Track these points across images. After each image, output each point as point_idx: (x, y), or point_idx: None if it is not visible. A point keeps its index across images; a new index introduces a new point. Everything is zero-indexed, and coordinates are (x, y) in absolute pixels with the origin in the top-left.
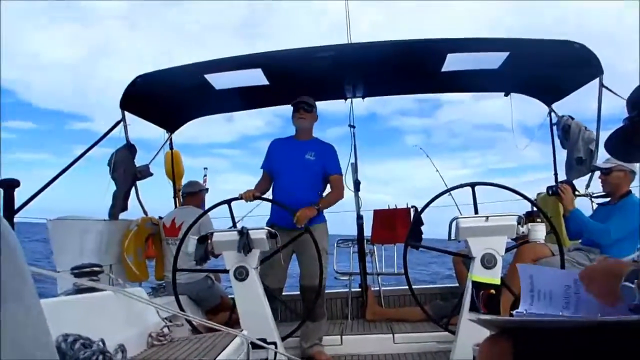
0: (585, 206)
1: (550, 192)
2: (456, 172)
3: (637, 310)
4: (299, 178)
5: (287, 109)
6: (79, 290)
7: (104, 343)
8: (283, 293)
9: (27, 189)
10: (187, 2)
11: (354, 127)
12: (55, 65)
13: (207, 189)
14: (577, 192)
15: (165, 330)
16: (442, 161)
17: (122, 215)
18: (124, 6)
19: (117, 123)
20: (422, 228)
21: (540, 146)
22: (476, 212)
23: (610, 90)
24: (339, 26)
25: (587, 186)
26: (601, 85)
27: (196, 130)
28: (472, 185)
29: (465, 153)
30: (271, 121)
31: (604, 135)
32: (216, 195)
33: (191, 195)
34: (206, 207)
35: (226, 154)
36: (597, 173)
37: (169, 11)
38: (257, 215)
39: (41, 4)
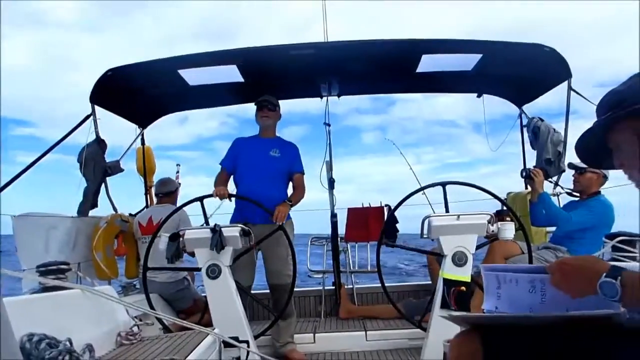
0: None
1: (523, 174)
2: (413, 167)
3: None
4: (265, 175)
5: (241, 108)
6: (46, 288)
7: (70, 342)
8: (251, 291)
9: None
10: (145, 10)
11: (329, 125)
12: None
13: (179, 184)
14: (549, 179)
15: (135, 329)
16: (399, 156)
17: (91, 212)
18: (77, 12)
19: (87, 117)
20: (398, 226)
21: (488, 141)
22: (447, 210)
23: (578, 94)
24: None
25: (555, 185)
26: (569, 88)
27: (148, 132)
28: (444, 184)
29: (419, 149)
30: (225, 121)
31: (572, 138)
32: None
33: (167, 195)
34: (179, 203)
35: (183, 156)
36: (564, 173)
37: (128, 18)
38: (226, 213)
39: None
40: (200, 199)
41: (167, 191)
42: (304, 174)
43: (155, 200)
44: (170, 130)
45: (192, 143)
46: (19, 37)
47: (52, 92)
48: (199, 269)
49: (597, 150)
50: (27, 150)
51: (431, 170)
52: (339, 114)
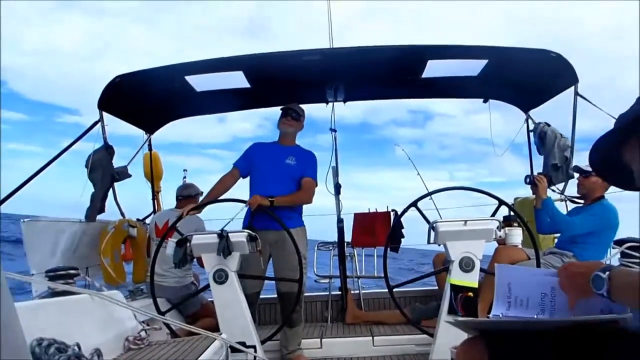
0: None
1: (527, 181)
2: (445, 183)
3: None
4: (277, 181)
5: (278, 113)
6: (55, 293)
7: (79, 347)
8: (259, 297)
9: (14, 178)
10: (195, 2)
11: (335, 131)
12: (52, 56)
13: (202, 192)
14: (552, 187)
15: (143, 334)
16: (432, 172)
17: (99, 217)
18: (127, 2)
19: (95, 123)
20: (403, 231)
21: (526, 161)
22: (429, 220)
23: (585, 99)
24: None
25: (562, 191)
26: (576, 93)
27: (188, 129)
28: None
29: (453, 165)
30: (262, 124)
31: (578, 145)
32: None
33: (187, 199)
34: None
35: (218, 154)
36: (572, 179)
37: (177, 10)
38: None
39: None
40: (173, 226)
41: (187, 195)
42: (313, 179)
43: (162, 204)
44: (209, 129)
45: (228, 143)
46: (71, 24)
47: (96, 81)
48: (207, 287)
49: (616, 169)
50: (72, 138)
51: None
52: (376, 124)
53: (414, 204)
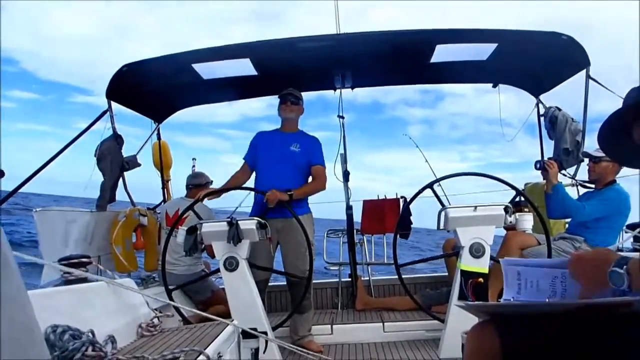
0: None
1: (537, 166)
2: (456, 164)
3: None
4: (283, 169)
5: None
6: (68, 281)
7: (93, 334)
8: (269, 283)
9: (26, 159)
10: None
11: (343, 117)
12: (63, 38)
13: (212, 181)
14: (563, 171)
15: (155, 320)
16: (442, 153)
17: (109, 207)
18: None
19: (103, 113)
20: (412, 218)
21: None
22: (444, 203)
23: (597, 82)
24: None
25: (574, 176)
26: (588, 77)
27: (200, 109)
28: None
29: (465, 146)
30: (272, 104)
31: (589, 127)
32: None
33: (197, 187)
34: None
35: (228, 134)
36: (584, 163)
37: None
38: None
39: None
40: (191, 207)
41: (197, 183)
42: (323, 166)
43: (171, 193)
44: (220, 108)
45: (237, 122)
46: (82, 6)
47: (110, 62)
48: (216, 272)
49: (625, 148)
50: (85, 117)
51: (474, 168)
52: (387, 103)
53: (420, 192)
